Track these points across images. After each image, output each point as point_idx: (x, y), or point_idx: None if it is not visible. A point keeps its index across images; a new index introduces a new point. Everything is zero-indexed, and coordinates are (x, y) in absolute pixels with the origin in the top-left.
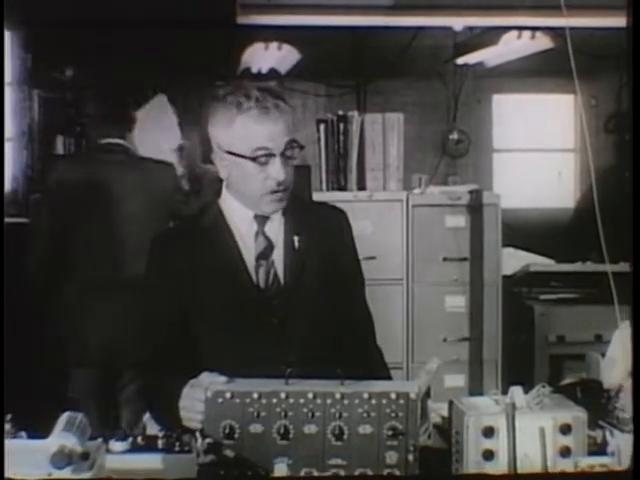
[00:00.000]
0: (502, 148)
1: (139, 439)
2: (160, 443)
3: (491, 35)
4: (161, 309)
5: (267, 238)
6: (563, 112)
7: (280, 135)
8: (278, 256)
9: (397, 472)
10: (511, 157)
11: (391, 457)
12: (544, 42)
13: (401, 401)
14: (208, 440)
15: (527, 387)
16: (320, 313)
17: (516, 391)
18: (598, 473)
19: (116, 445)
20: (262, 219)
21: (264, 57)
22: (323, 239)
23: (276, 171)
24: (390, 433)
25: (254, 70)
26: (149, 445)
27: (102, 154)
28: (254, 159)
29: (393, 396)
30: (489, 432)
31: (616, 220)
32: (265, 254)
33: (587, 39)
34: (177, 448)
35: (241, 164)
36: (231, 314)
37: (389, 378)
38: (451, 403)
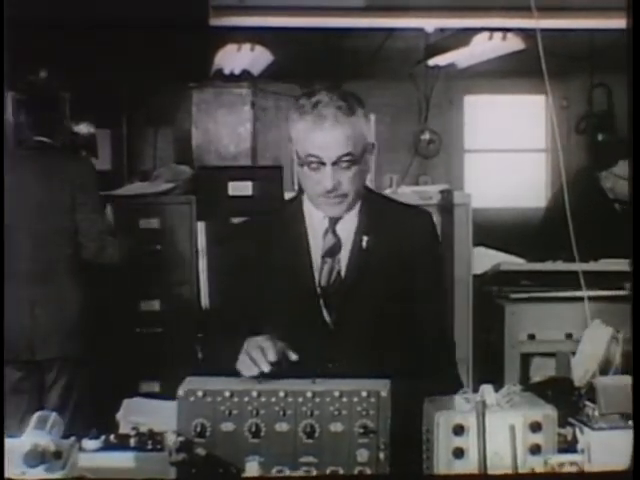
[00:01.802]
0: (473, 149)
1: (112, 437)
2: (132, 441)
3: (462, 36)
4: (230, 292)
5: (336, 236)
6: (534, 113)
7: (334, 145)
8: (345, 256)
9: (368, 470)
10: (482, 157)
11: (362, 455)
12: (515, 43)
13: (372, 399)
14: (180, 438)
15: (497, 385)
16: (379, 316)
17: (486, 389)
18: (598, 473)
19: (89, 444)
20: (334, 218)
21: (237, 58)
22: (396, 241)
23: (325, 179)
24: (361, 431)
25: (226, 71)
26: (122, 443)
27: (26, 151)
28: (306, 163)
29: (364, 394)
30: (459, 430)
31: (586, 220)
32: (332, 252)
33: (558, 40)
34: (149, 446)
35: (300, 167)
36: (288, 308)
37: (457, 377)
38: (422, 401)
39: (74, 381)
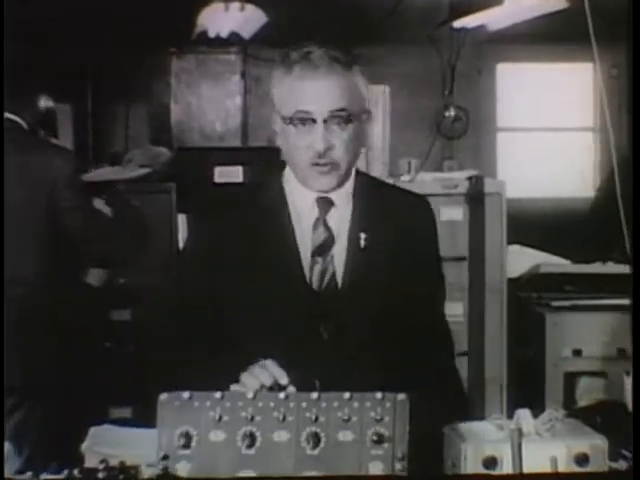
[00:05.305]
0: (507, 127)
1: (76, 472)
2: (101, 476)
3: None
4: (192, 297)
5: (328, 228)
6: (579, 84)
7: (326, 97)
8: (339, 253)
9: None
10: (518, 137)
11: (375, 468)
12: (557, 1)
13: (387, 403)
14: (157, 471)
15: (536, 410)
16: (382, 329)
17: (523, 415)
18: (599, 473)
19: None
20: (325, 204)
21: (224, 19)
22: (399, 237)
23: (315, 140)
24: (374, 439)
25: (212, 34)
26: (88, 479)
27: None
28: (292, 123)
29: (378, 397)
30: (491, 463)
31: None
32: (323, 248)
33: None
34: None
35: (286, 129)
36: (273, 316)
37: (466, 406)
38: (445, 429)
39: (34, 411)
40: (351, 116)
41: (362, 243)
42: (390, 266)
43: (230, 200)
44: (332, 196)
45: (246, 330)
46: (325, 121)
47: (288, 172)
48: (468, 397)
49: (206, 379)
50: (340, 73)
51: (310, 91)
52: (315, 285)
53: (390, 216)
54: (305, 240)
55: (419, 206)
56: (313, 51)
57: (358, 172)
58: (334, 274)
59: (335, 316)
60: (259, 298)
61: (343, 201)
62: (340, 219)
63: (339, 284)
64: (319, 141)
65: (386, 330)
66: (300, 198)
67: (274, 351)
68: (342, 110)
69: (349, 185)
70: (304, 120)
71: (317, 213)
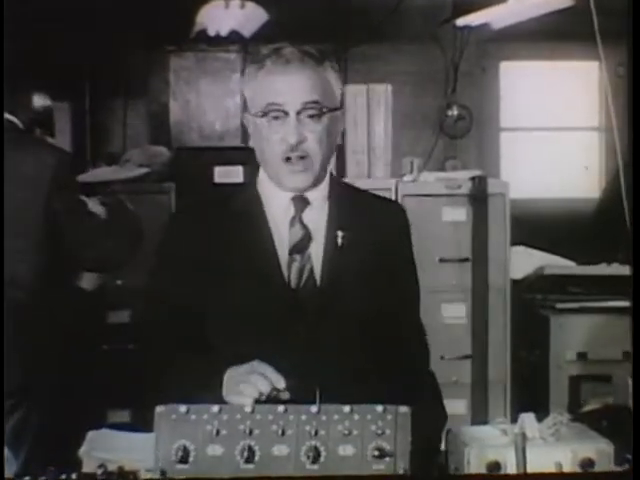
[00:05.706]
0: (511, 126)
1: (74, 477)
2: None
3: None
4: (168, 303)
5: (305, 227)
6: (585, 83)
7: (298, 92)
8: (316, 251)
9: None
10: (522, 137)
11: None
12: None
13: (389, 416)
14: (156, 475)
15: (541, 414)
16: (360, 327)
17: (527, 419)
18: (598, 473)
19: None
20: (301, 203)
21: (224, 17)
22: (374, 239)
23: (287, 132)
24: (376, 454)
25: (211, 32)
26: None
27: None
28: (265, 116)
29: (379, 410)
30: (495, 468)
31: None
32: (300, 246)
33: None
34: None
35: (258, 125)
36: (252, 316)
37: (444, 412)
38: (448, 433)
39: (31, 415)
40: (324, 109)
41: (339, 241)
42: (367, 265)
43: (207, 203)
44: (307, 195)
45: (225, 330)
46: (298, 113)
47: (262, 174)
48: (443, 403)
49: (191, 383)
50: (312, 68)
51: (282, 84)
52: (293, 283)
53: (366, 218)
54: (282, 238)
55: (394, 211)
56: (284, 46)
57: (333, 177)
58: (312, 272)
59: (314, 314)
60: (237, 298)
61: (319, 202)
62: (316, 218)
63: (317, 281)
64: (291, 133)
65: (364, 327)
66: (275, 199)
67: (254, 350)
68: (315, 102)
69: (324, 187)
70: (276, 113)
71: (293, 212)
